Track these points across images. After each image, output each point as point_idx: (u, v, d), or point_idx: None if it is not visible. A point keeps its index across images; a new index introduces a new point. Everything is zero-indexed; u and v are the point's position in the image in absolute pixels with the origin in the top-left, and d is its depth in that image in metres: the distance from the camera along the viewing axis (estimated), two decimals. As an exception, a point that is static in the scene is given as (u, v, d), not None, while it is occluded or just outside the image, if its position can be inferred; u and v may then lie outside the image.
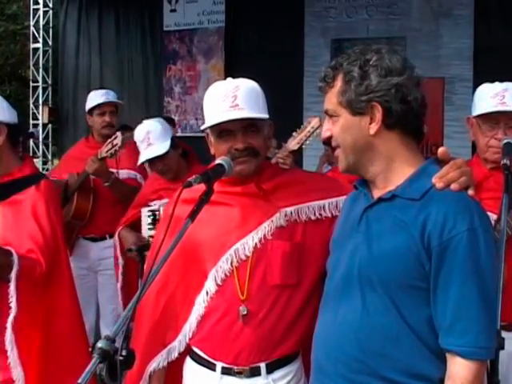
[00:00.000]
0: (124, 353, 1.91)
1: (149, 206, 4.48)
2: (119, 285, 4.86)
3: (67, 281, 3.37)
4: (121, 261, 4.84)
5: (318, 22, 9.17)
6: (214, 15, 9.93)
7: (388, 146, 2.19)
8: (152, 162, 4.49)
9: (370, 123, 2.17)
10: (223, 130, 2.61)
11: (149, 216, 4.40)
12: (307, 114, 8.33)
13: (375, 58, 2.17)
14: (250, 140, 2.61)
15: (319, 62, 8.64)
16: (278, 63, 8.90)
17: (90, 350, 1.92)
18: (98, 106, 5.51)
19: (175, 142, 4.51)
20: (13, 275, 2.92)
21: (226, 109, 2.56)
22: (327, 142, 2.28)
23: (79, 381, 1.82)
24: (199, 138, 3.61)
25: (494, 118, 3.31)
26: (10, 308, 2.98)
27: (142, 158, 4.50)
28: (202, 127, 2.75)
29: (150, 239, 4.29)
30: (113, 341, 1.91)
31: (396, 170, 2.20)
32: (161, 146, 4.39)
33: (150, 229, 4.40)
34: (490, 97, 3.32)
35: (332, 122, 2.24)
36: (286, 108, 7.80)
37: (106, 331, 5.43)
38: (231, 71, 9.10)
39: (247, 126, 2.60)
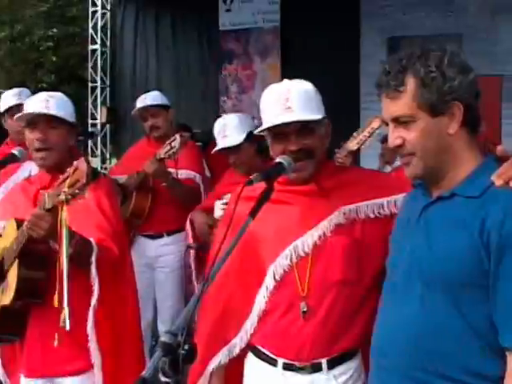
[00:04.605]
0: (186, 347, 1.94)
1: (222, 198, 4.53)
2: (194, 266, 4.84)
3: (131, 273, 3.46)
4: (193, 245, 4.84)
5: (374, 21, 9.12)
6: (268, 15, 9.96)
7: (460, 144, 2.18)
8: (225, 153, 4.52)
9: (449, 122, 2.16)
10: (278, 132, 2.63)
11: (222, 209, 4.45)
12: (364, 114, 8.32)
13: (448, 57, 2.15)
14: (305, 141, 2.61)
15: (375, 60, 8.59)
16: (334, 62, 8.87)
17: (154, 343, 1.95)
18: (139, 110, 5.55)
19: (251, 137, 4.43)
20: (93, 259, 2.98)
21: (279, 112, 2.58)
22: (395, 149, 2.21)
23: (143, 373, 1.86)
24: (257, 137, 3.62)
25: None
26: (86, 297, 3.02)
27: (215, 148, 4.55)
28: (256, 131, 2.78)
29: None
30: (175, 335, 1.95)
31: (462, 169, 2.19)
32: (234, 139, 4.42)
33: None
34: None
35: (405, 128, 2.17)
36: (342, 107, 7.77)
37: (162, 328, 5.48)
38: (287, 70, 9.11)
39: (301, 127, 2.60)
